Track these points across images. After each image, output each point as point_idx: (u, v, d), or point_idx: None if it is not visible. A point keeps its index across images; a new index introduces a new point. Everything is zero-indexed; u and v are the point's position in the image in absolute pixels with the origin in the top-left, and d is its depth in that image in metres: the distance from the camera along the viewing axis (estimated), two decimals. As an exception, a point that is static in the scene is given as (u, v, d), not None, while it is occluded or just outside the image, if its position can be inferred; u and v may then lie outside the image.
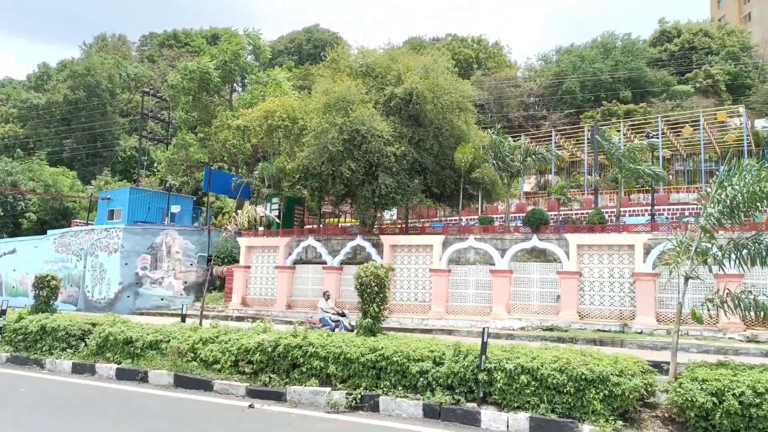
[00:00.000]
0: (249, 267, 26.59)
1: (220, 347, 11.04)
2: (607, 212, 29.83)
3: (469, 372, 8.82)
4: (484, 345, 8.91)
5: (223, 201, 42.91)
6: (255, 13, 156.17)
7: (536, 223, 24.20)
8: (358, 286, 10.78)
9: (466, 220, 33.33)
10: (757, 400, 7.03)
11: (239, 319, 22.96)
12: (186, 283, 28.36)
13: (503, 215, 28.99)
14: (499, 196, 29.47)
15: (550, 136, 40.17)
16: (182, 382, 11.10)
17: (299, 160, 24.41)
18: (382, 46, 47.44)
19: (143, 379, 11.65)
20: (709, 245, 9.17)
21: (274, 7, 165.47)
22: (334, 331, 14.26)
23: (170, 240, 28.39)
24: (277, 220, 27.27)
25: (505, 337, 19.23)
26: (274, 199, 29.87)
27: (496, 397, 8.56)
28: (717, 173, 9.82)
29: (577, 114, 49.11)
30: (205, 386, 10.74)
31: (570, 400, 8.02)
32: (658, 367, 9.04)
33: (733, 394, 7.15)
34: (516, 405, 8.36)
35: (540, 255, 23.80)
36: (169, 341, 11.79)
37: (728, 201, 9.05)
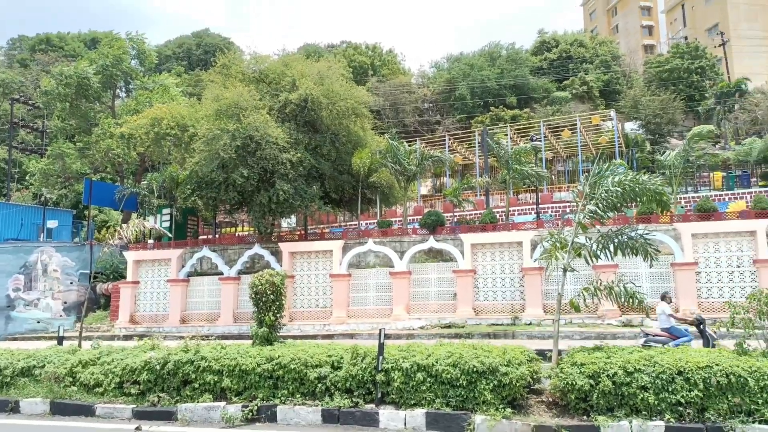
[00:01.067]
0: (137, 282, 25.07)
1: (103, 369, 10.28)
2: (498, 212, 31.33)
3: (367, 374, 8.85)
4: (381, 346, 8.99)
5: (108, 214, 40.17)
6: (139, 17, 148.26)
7: (433, 224, 24.88)
8: (253, 295, 10.50)
9: (366, 224, 33.61)
10: (628, 379, 7.64)
11: (127, 338, 21.58)
12: (66, 303, 26.17)
13: (402, 218, 29.55)
14: (397, 199, 30.01)
15: (444, 140, 41.58)
16: (60, 409, 10.23)
17: (190, 167, 23.45)
18: (277, 52, 46.91)
19: (14, 409, 10.60)
20: (584, 239, 9.88)
21: (160, 11, 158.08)
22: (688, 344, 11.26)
23: (46, 258, 26.11)
24: (168, 234, 25.94)
25: (406, 337, 19.56)
26: (165, 210, 28.42)
27: (394, 396, 8.66)
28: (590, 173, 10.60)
29: (469, 119, 51.22)
30: (87, 411, 9.96)
31: (463, 392, 8.28)
32: (544, 355, 9.59)
33: (607, 375, 7.72)
34: (413, 402, 8.49)
35: (437, 255, 24.49)
36: (43, 366, 10.82)
37: (601, 198, 9.79)
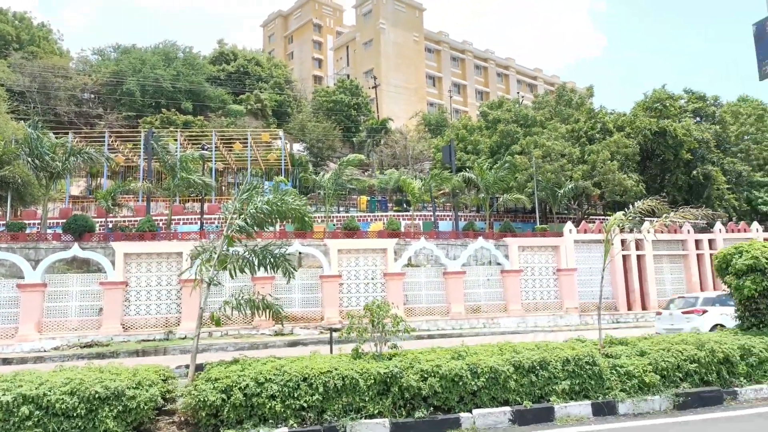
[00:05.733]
0: None
1: None
2: (163, 219, 29.70)
3: (-58, 417, 7.05)
4: (-27, 379, 7.30)
5: None
6: None
7: (79, 230, 22.14)
8: None
9: (-8, 226, 27.80)
10: (258, 390, 7.86)
11: None
12: None
13: (41, 221, 25.39)
14: (36, 198, 25.76)
15: (105, 137, 37.56)
16: None
17: None
18: None
19: None
20: (232, 252, 9.93)
21: None
22: None
23: None
24: None
25: (33, 361, 16.81)
26: None
27: (-14, 440, 7.11)
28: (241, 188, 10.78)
29: (137, 118, 47.58)
30: None
31: (81, 423, 7.31)
32: (201, 369, 9.14)
33: (239, 388, 7.80)
34: (11, 444, 7.10)
35: (83, 265, 21.87)
36: None
37: (250, 214, 10.00)
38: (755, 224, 28.03)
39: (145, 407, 7.56)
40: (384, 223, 30.33)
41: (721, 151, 34.25)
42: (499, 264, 24.86)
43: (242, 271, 9.83)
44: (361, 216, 35.38)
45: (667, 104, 33.40)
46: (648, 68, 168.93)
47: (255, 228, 10.20)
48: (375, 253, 23.76)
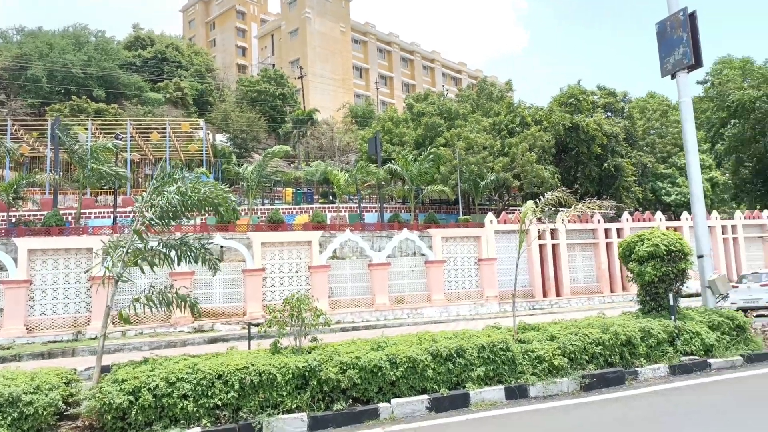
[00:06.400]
0: None
1: None
2: (72, 213, 27.99)
3: None
4: None
5: None
6: None
7: (-25, 225, 20.47)
8: None
9: None
10: (169, 390, 7.55)
11: None
12: None
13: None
14: (-74, 191, 23.55)
15: (6, 125, 34.87)
16: None
17: None
18: None
19: None
20: (142, 247, 9.46)
21: None
22: None
23: None
24: None
25: None
26: None
27: None
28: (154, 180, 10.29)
29: (44, 105, 44.51)
30: None
31: (-31, 435, 6.77)
32: (108, 371, 8.64)
33: (149, 389, 7.47)
34: None
35: (-20, 263, 20.23)
36: None
37: (161, 206, 9.55)
38: (659, 213, 29.98)
39: (44, 413, 7.10)
40: (310, 216, 30.02)
41: (629, 144, 36.37)
42: (423, 255, 25.24)
43: (157, 265, 9.40)
44: (286, 208, 34.86)
45: (581, 99, 35.04)
46: (566, 63, 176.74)
47: (172, 221, 9.76)
48: (300, 245, 23.48)
